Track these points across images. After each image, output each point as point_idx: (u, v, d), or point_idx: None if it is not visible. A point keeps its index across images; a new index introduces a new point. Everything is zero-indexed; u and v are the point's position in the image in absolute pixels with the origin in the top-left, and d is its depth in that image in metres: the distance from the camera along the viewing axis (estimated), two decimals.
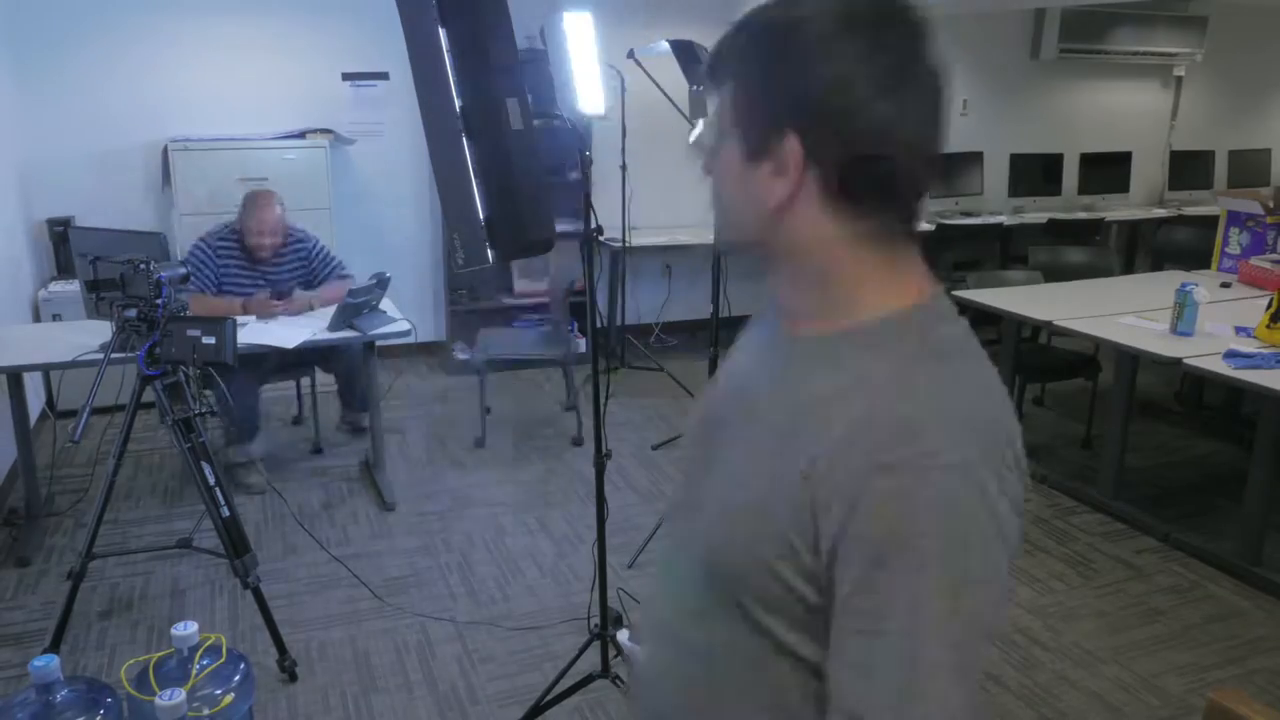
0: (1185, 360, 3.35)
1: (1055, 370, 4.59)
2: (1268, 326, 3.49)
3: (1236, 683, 2.79)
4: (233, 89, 5.03)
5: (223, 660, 1.94)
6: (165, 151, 4.78)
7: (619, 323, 5.91)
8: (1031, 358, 4.54)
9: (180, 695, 1.65)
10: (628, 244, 5.77)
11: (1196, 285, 3.62)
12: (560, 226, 6.28)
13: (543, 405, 5.06)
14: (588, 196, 2.45)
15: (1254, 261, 4.48)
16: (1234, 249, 4.71)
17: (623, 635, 2.78)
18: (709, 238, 3.60)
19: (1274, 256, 4.49)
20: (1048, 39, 6.93)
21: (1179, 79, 7.72)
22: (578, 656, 2.64)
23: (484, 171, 2.03)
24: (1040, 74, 7.22)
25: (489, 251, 2.03)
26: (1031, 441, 3.46)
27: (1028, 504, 2.86)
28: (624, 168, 5.43)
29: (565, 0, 4.50)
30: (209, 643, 1.93)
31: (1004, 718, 2.62)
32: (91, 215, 3.95)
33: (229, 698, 1.89)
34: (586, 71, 4.57)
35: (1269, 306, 3.52)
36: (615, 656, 2.66)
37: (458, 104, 2.04)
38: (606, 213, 6.09)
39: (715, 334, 3.72)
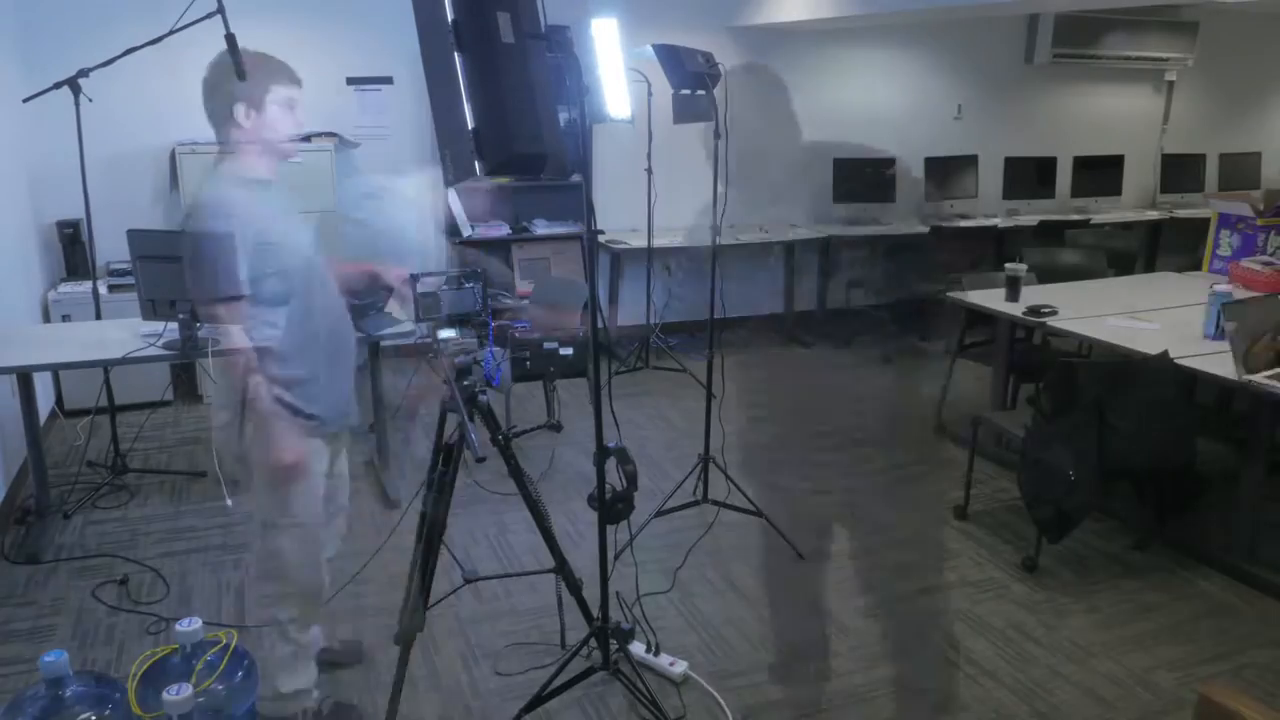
0: (1176, 360, 3.40)
1: (1048, 370, 4.65)
2: None
3: (1227, 678, 2.84)
4: None
5: (228, 657, 1.99)
6: (173, 154, 4.83)
7: (649, 322, 5.99)
8: (1025, 357, 4.60)
9: (186, 690, 1.69)
10: (627, 245, 5.83)
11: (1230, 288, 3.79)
12: (563, 229, 6.31)
13: (543, 403, 5.10)
14: (588, 198, 2.49)
15: (1245, 263, 4.54)
16: (1225, 251, 4.77)
17: (637, 647, 2.83)
18: (707, 239, 3.64)
19: (1264, 258, 4.55)
20: (1041, 44, 7.00)
21: (1170, 83, 7.80)
22: (579, 649, 2.69)
23: (473, 83, 2.00)
24: (1034, 78, 7.29)
25: (476, 163, 2.01)
26: None
27: (1018, 503, 2.88)
28: (649, 171, 5.47)
29: (589, 6, 4.57)
30: (214, 639, 1.97)
31: (998, 712, 2.67)
32: (100, 218, 4.01)
33: (233, 694, 1.94)
34: (612, 76, 4.65)
35: None
36: (616, 650, 2.71)
37: (450, 17, 2.03)
38: (619, 214, 6.17)
39: (711, 335, 3.77)
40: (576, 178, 5.92)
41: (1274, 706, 1.49)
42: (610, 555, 2.68)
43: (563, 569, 2.69)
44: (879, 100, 6.82)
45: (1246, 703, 1.50)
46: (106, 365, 3.65)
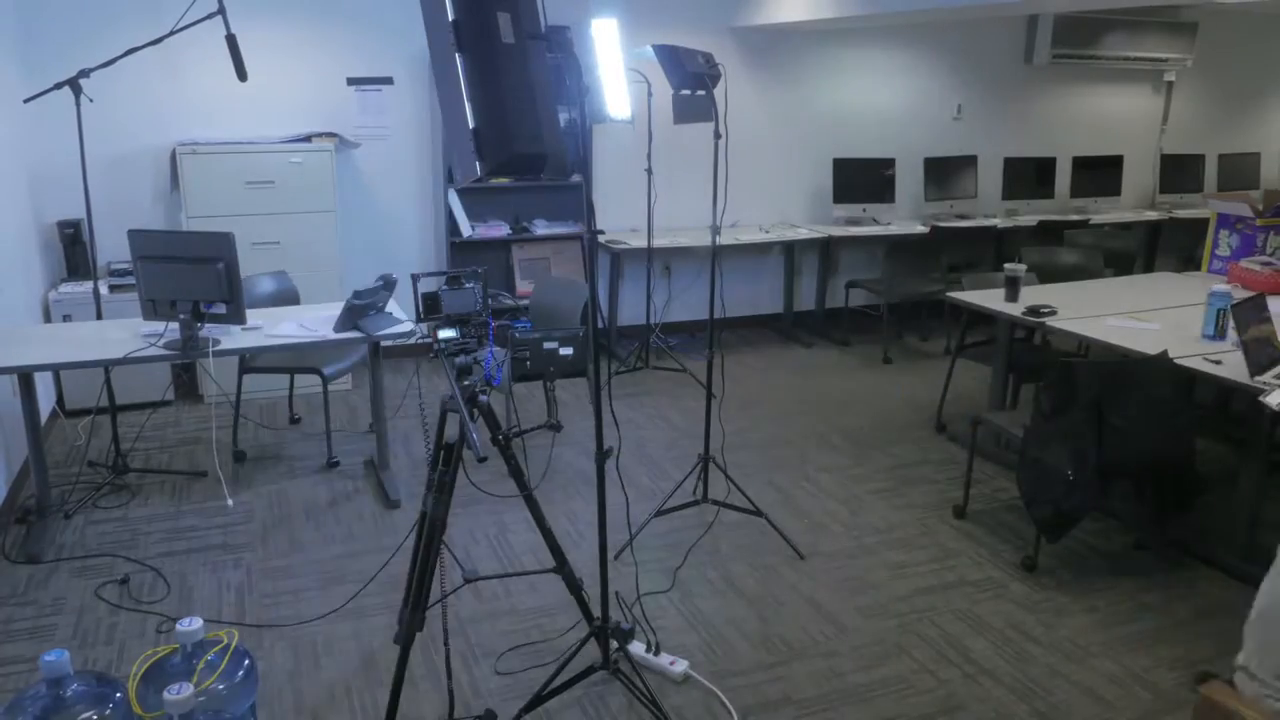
0: (1175, 360, 3.41)
1: (1048, 370, 4.65)
2: None
3: (1227, 678, 2.85)
4: (239, 93, 5.08)
5: (228, 656, 1.99)
6: (174, 155, 4.84)
7: (649, 322, 6.00)
8: (1025, 357, 4.61)
9: (187, 690, 1.69)
10: (627, 245, 5.83)
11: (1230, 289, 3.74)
12: (563, 229, 6.30)
13: (543, 404, 5.11)
14: (589, 198, 2.50)
15: (1244, 263, 4.55)
16: (1224, 251, 4.78)
17: (637, 647, 2.84)
18: (708, 239, 3.65)
19: (1263, 258, 4.56)
20: (1040, 44, 7.01)
21: (1170, 84, 7.81)
22: (579, 648, 2.69)
23: (473, 83, 2.00)
24: (1033, 79, 7.30)
25: (477, 162, 2.01)
26: None
27: (1017, 502, 2.88)
28: (649, 171, 5.47)
29: (590, 6, 4.57)
30: (215, 638, 1.97)
31: (997, 711, 2.68)
32: (101, 218, 4.02)
33: (233, 693, 1.94)
34: (612, 76, 4.66)
35: None
36: (616, 650, 2.71)
37: (450, 16, 2.03)
38: (619, 214, 6.19)
39: (711, 335, 3.77)
40: (577, 178, 5.97)
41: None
42: (610, 555, 2.68)
43: (563, 569, 2.70)
44: (879, 100, 6.83)
45: (1246, 702, 1.51)
46: (107, 365, 3.65)
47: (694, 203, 6.22)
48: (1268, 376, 3.21)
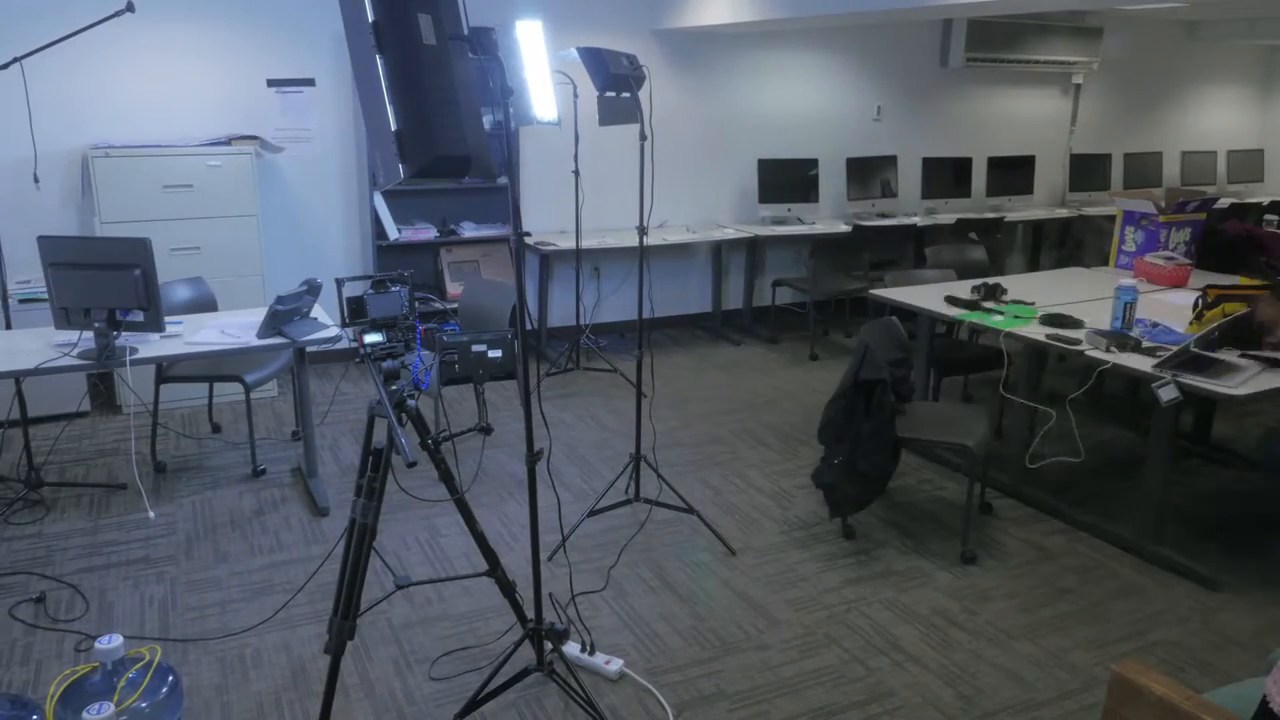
0: (1086, 351, 3.55)
1: (967, 364, 4.79)
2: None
3: (1138, 655, 2.97)
4: (155, 95, 4.95)
5: (151, 673, 1.94)
6: (85, 158, 4.69)
7: (579, 323, 6.00)
8: (945, 352, 4.74)
9: (108, 709, 1.65)
10: (556, 247, 5.83)
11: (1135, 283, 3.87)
12: (491, 231, 6.27)
13: (474, 407, 5.08)
14: (515, 200, 2.50)
15: (1148, 258, 4.74)
16: (1130, 246, 4.98)
17: (572, 647, 2.85)
18: (636, 240, 3.67)
19: (1166, 253, 4.76)
20: (955, 48, 7.21)
21: (1077, 86, 8.10)
22: (513, 651, 2.69)
23: (394, 85, 1.99)
24: (949, 81, 7.50)
25: (400, 165, 2.01)
26: None
27: (943, 490, 3.01)
28: (576, 172, 5.48)
29: (514, 8, 4.54)
30: (137, 655, 1.93)
31: (924, 697, 2.76)
32: (7, 224, 3.88)
33: (157, 711, 1.90)
34: (537, 78, 4.65)
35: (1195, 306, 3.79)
36: (551, 651, 2.72)
37: (370, 17, 2.02)
38: (548, 216, 6.18)
39: (641, 334, 3.80)
40: (504, 180, 5.93)
41: (1179, 679, 1.58)
42: (543, 556, 2.69)
43: (495, 571, 2.69)
44: (801, 102, 6.95)
45: (1155, 677, 1.59)
46: (19, 376, 3.53)
47: (622, 204, 6.25)
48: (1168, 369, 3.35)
